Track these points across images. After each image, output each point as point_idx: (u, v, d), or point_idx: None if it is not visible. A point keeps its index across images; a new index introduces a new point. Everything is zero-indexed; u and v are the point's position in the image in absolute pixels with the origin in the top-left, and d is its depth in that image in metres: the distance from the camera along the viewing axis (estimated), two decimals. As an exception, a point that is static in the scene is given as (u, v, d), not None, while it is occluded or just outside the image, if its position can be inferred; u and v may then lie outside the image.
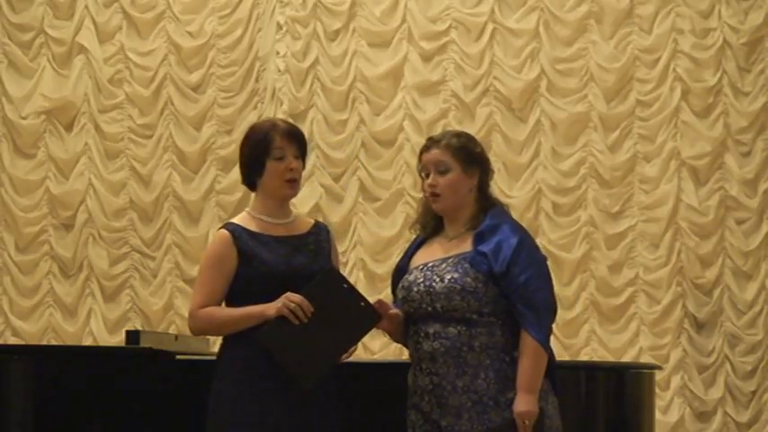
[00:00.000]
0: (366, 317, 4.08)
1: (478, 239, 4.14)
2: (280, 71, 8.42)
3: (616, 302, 8.23)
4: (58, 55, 8.59)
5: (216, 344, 8.33)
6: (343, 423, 4.16)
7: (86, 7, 8.57)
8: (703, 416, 8.12)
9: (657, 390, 7.15)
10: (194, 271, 8.25)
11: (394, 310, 4.21)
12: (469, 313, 4.08)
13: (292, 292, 4.04)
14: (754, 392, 8.13)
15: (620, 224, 8.27)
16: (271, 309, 4.04)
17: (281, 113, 8.33)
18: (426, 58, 8.42)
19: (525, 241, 4.16)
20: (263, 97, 8.44)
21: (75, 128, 8.55)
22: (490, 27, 8.39)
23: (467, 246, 4.16)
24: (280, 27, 8.45)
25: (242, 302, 4.13)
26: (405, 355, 7.82)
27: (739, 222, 8.24)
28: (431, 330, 4.11)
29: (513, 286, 4.07)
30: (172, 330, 8.19)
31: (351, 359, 4.18)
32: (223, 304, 4.18)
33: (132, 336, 5.02)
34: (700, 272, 8.19)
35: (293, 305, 4.01)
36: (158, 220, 8.46)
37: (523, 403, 4.04)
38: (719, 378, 8.14)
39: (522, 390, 4.05)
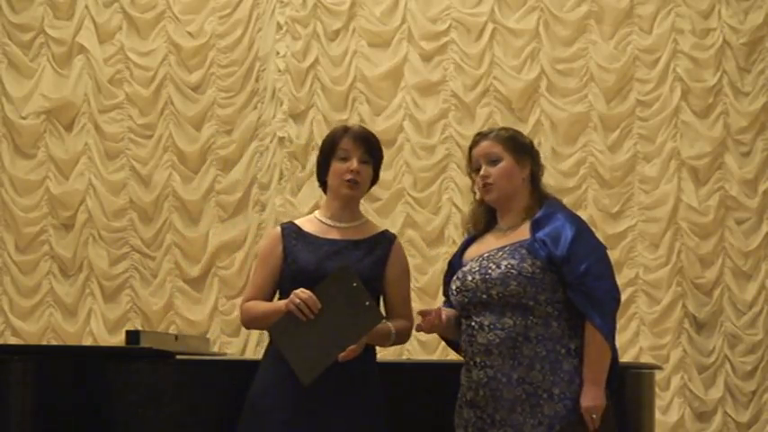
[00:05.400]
0: (368, 317, 4.07)
1: (536, 227, 4.11)
2: (280, 71, 8.42)
3: (616, 302, 8.21)
4: (57, 55, 8.59)
5: (216, 344, 8.36)
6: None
7: (86, 7, 8.57)
8: (703, 416, 8.12)
9: (657, 390, 7.15)
10: (194, 271, 8.36)
11: (446, 313, 4.19)
12: (525, 299, 4.05)
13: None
14: (753, 392, 8.12)
15: (620, 224, 8.27)
16: (283, 304, 4.10)
17: (280, 113, 8.33)
18: (426, 58, 8.42)
19: (583, 229, 4.13)
20: (263, 97, 8.44)
21: (75, 128, 8.55)
22: (490, 27, 8.39)
23: (523, 234, 4.13)
24: (280, 27, 8.45)
25: (282, 298, 4.21)
26: (405, 355, 7.84)
27: (739, 222, 8.24)
28: (486, 322, 4.07)
29: (574, 275, 4.03)
30: (172, 330, 8.19)
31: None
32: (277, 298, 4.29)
33: (132, 336, 5.01)
34: (700, 272, 8.19)
35: (299, 301, 4.03)
36: (158, 220, 8.45)
37: (591, 397, 4.01)
38: (719, 378, 8.14)
39: (588, 383, 4.01)
